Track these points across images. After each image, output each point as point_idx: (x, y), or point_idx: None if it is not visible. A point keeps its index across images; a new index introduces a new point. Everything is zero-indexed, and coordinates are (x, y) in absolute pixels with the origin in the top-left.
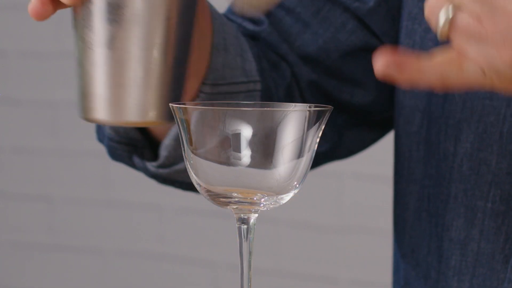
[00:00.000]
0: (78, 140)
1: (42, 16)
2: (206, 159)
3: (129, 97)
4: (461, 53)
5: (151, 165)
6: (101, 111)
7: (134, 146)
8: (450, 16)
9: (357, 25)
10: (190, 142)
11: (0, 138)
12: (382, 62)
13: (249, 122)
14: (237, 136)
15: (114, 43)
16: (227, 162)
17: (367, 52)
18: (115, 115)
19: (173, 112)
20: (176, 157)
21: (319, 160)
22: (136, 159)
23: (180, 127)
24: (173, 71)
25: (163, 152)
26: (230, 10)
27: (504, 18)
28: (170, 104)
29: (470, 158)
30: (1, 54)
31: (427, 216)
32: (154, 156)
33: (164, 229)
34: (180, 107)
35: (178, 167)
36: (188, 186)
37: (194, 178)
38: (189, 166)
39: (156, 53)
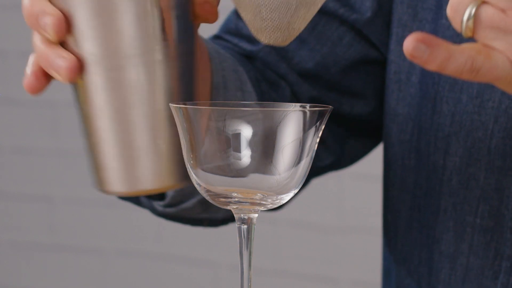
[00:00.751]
0: (78, 140)
1: (37, 90)
2: (206, 159)
3: (141, 167)
4: (488, 46)
5: (158, 205)
6: (116, 184)
7: None
8: (474, 11)
9: (354, 37)
10: (190, 142)
11: (0, 138)
12: (411, 41)
13: (249, 122)
14: (237, 136)
15: (117, 115)
16: (227, 162)
17: (365, 64)
18: (131, 186)
19: (173, 112)
20: (184, 195)
21: (324, 171)
22: (143, 199)
23: (180, 127)
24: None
25: (170, 191)
26: (224, 29)
27: None
28: (170, 104)
29: (459, 172)
30: (1, 54)
31: (418, 226)
32: (161, 195)
33: (164, 229)
34: (180, 107)
35: (186, 205)
36: (196, 222)
37: (194, 178)
38: (189, 166)
39: (161, 118)
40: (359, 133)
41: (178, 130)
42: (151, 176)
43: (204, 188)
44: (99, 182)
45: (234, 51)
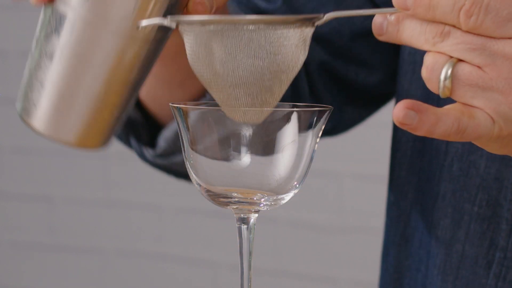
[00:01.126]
0: None
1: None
2: (206, 159)
3: (73, 120)
4: (467, 105)
5: (148, 153)
6: (41, 122)
7: (132, 125)
8: (450, 70)
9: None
10: (190, 142)
11: (0, 138)
12: (401, 108)
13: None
14: (237, 136)
15: (74, 59)
16: (227, 162)
17: None
18: (53, 131)
19: (173, 112)
20: (175, 149)
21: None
22: (133, 141)
23: (180, 127)
24: (122, 100)
25: (162, 143)
26: None
27: (505, 62)
28: (170, 104)
29: (460, 159)
30: (1, 54)
31: (420, 209)
32: (152, 139)
33: (164, 229)
34: (180, 107)
35: (176, 159)
36: (182, 175)
37: (194, 178)
38: (189, 166)
39: (112, 84)
40: (358, 102)
41: (178, 129)
42: (77, 132)
43: (204, 188)
44: (26, 111)
45: (249, 8)
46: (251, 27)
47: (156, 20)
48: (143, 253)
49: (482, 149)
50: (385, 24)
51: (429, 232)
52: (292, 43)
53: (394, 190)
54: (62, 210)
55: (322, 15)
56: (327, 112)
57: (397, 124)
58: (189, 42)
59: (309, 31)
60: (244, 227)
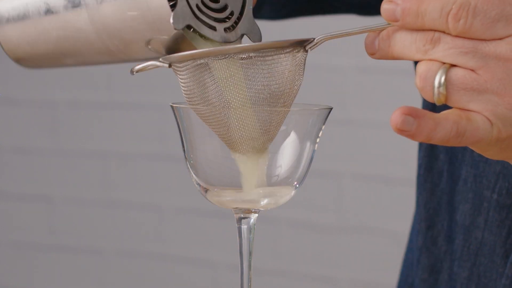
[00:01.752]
0: (78, 140)
1: None
2: (206, 159)
3: (21, 35)
4: (464, 109)
5: None
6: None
7: None
8: (444, 77)
9: None
10: (190, 142)
11: (0, 138)
12: (399, 115)
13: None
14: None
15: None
16: (227, 161)
17: None
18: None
19: (173, 112)
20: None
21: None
22: None
23: (180, 127)
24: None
25: None
26: None
27: (498, 63)
28: (170, 104)
29: None
30: (1, 54)
31: (445, 187)
32: None
33: (164, 229)
34: (180, 107)
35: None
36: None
37: (194, 178)
38: (189, 166)
39: (79, 30)
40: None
41: (178, 129)
42: (16, 43)
43: (204, 188)
44: None
45: None
46: (242, 55)
47: (149, 63)
48: (143, 253)
49: None
50: (376, 42)
51: (450, 216)
52: (285, 69)
53: (424, 164)
54: (62, 210)
55: (312, 38)
56: (327, 112)
57: (396, 131)
58: (183, 79)
59: (301, 56)
60: (244, 227)
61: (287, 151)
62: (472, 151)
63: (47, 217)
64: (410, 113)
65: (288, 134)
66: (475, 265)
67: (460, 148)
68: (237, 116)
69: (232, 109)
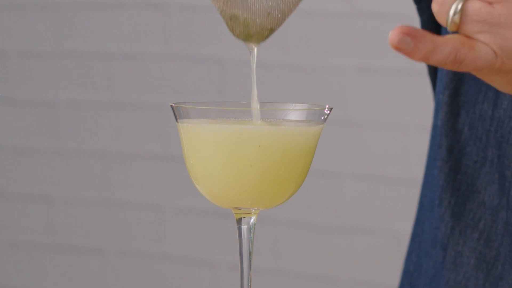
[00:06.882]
0: (78, 140)
1: None
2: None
3: None
4: (471, 38)
5: None
6: None
7: None
8: (460, 5)
9: None
10: (190, 142)
11: (0, 138)
12: (397, 34)
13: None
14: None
15: None
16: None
17: None
18: None
19: (173, 112)
20: None
21: None
22: None
23: (181, 127)
24: None
25: None
26: None
27: None
28: (170, 104)
29: (501, 125)
30: (1, 54)
31: (467, 169)
32: None
33: (164, 229)
34: (180, 107)
35: None
36: None
37: (194, 178)
38: (189, 166)
39: None
40: None
41: (179, 130)
42: None
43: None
44: None
45: None
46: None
47: None
48: (143, 253)
49: None
50: None
51: (473, 197)
52: None
53: (452, 143)
54: (62, 210)
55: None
56: (327, 112)
57: (393, 48)
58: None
59: None
60: (244, 227)
61: (287, 150)
62: (496, 133)
63: (47, 217)
64: (408, 33)
65: (288, 134)
66: (502, 245)
67: (484, 130)
68: None
69: None
